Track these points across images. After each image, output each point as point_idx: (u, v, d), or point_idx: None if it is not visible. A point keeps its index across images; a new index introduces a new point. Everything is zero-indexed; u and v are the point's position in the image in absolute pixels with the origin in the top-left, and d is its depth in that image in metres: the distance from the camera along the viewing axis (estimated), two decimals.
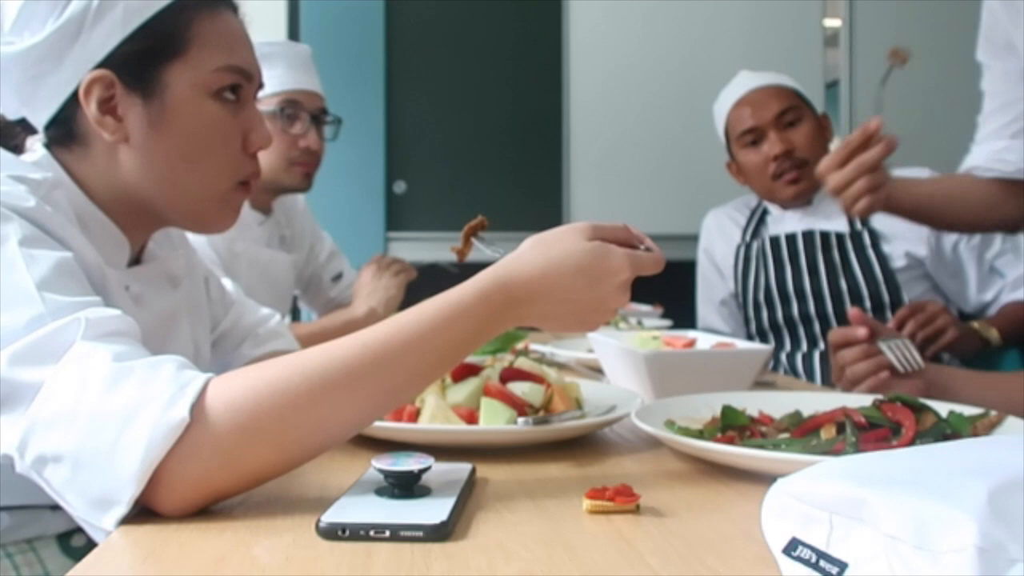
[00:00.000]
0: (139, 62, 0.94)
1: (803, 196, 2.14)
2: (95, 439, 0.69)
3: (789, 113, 2.14)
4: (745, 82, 2.21)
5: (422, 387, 0.81)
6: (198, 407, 0.70)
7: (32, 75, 0.94)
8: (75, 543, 1.01)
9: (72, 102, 0.94)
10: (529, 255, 0.82)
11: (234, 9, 1.01)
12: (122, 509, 0.69)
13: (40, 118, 0.97)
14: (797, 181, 2.11)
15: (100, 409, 0.69)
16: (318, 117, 1.97)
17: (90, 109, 0.93)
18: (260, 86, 1.03)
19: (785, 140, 2.11)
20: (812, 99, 2.22)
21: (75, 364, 0.72)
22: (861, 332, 1.28)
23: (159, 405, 0.69)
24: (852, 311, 1.32)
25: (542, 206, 3.43)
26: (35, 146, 0.98)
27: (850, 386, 1.27)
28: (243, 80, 0.99)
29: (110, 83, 0.93)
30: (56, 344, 0.73)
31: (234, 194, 1.01)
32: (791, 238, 2.14)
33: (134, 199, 0.98)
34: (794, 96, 2.17)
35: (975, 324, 1.89)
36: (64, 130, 0.97)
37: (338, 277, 2.20)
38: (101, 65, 0.93)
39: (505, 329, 0.82)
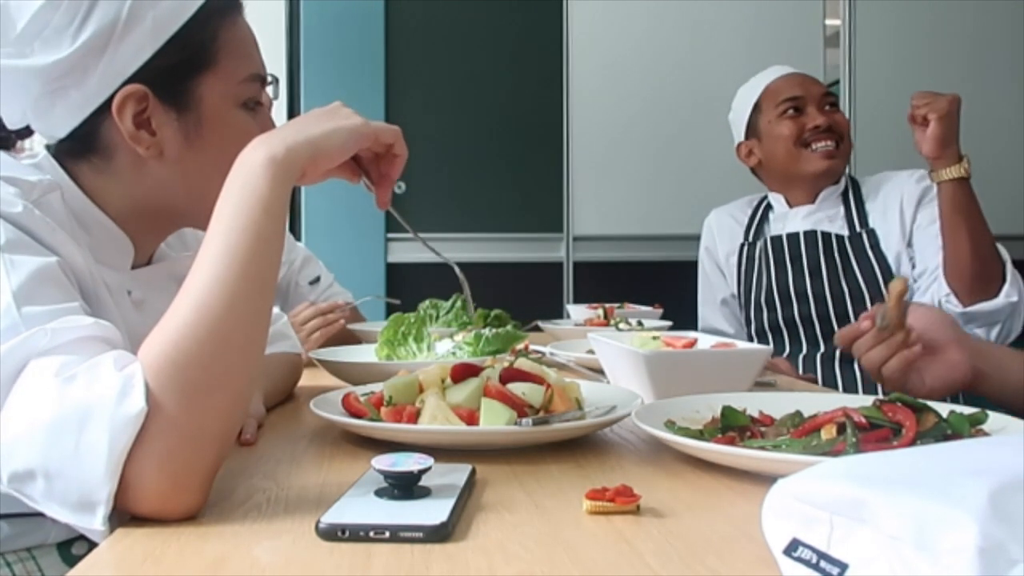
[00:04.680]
0: (172, 75, 0.93)
1: (831, 175, 2.14)
2: (56, 448, 0.69)
3: (830, 97, 2.18)
4: (787, 68, 2.24)
5: (276, 265, 0.81)
6: (149, 392, 0.70)
7: (51, 89, 0.92)
8: (76, 551, 1.00)
9: (96, 115, 0.93)
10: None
11: (241, 11, 1.01)
12: (104, 508, 0.69)
13: (57, 131, 0.95)
14: (832, 157, 2.11)
15: (53, 419, 0.69)
16: None
17: (125, 124, 0.92)
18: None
19: (828, 116, 2.13)
20: None
21: (22, 385, 0.72)
22: (864, 324, 1.24)
23: (110, 400, 0.69)
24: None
25: (542, 206, 3.43)
26: (35, 146, 0.97)
27: (879, 376, 1.23)
28: (263, 86, 0.99)
29: (143, 97, 0.92)
30: (15, 363, 0.73)
31: None
32: (793, 238, 2.14)
33: (157, 208, 0.97)
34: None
35: None
36: (83, 143, 0.95)
37: (315, 281, 2.17)
38: (132, 79, 0.91)
39: (290, 184, 0.83)
